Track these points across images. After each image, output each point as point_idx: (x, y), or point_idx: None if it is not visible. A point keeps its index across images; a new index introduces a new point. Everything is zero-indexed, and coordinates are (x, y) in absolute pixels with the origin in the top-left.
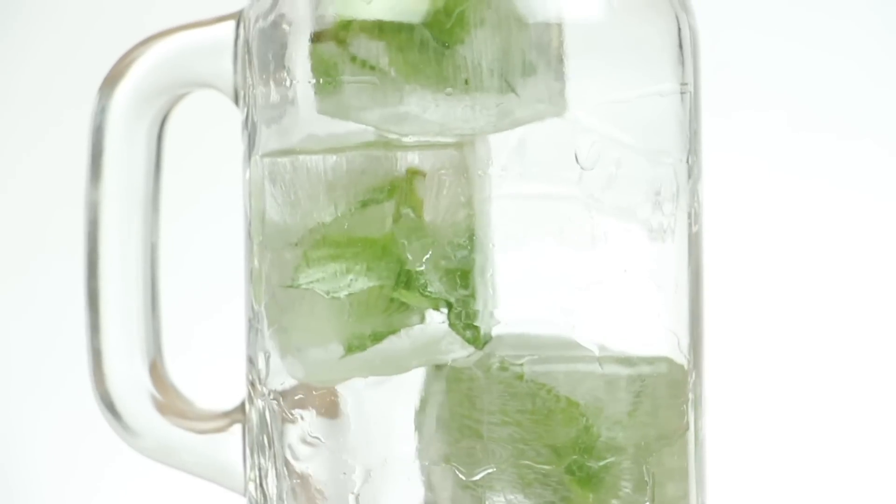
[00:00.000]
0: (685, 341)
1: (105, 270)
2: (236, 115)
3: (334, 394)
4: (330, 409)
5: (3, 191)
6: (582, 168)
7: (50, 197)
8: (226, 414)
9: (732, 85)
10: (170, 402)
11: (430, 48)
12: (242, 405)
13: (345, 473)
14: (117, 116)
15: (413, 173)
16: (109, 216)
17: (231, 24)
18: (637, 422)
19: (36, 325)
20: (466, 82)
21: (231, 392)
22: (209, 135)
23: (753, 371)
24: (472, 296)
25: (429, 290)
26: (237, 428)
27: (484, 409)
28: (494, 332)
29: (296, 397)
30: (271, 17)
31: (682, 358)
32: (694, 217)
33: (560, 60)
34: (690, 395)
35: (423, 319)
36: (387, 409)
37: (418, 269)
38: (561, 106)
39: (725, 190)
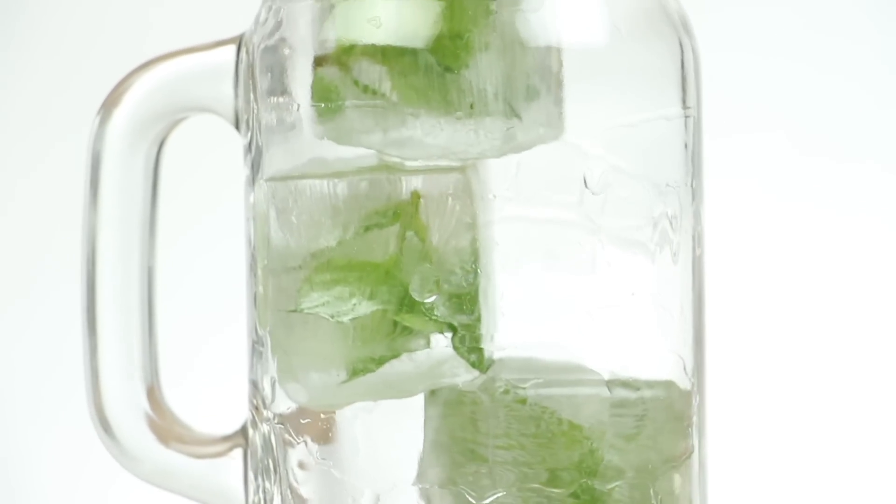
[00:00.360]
0: (690, 364)
1: (103, 294)
2: (234, 139)
3: (341, 418)
4: (337, 433)
5: (3, 214)
6: (592, 193)
7: (50, 220)
8: (226, 438)
9: (732, 106)
10: (167, 426)
11: (434, 73)
12: (243, 429)
13: (353, 498)
14: (115, 141)
15: (417, 197)
16: (107, 240)
17: (231, 48)
18: (641, 445)
19: (38, 348)
20: (472, 107)
21: (225, 416)
22: (207, 158)
23: (753, 394)
24: (477, 319)
25: (434, 314)
26: (237, 452)
27: (489, 432)
28: (499, 355)
29: (302, 421)
30: (275, 42)
31: (686, 381)
32: (697, 240)
33: (559, 85)
34: (694, 418)
35: (428, 343)
36: (395, 433)
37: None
38: (559, 129)
39: (725, 213)
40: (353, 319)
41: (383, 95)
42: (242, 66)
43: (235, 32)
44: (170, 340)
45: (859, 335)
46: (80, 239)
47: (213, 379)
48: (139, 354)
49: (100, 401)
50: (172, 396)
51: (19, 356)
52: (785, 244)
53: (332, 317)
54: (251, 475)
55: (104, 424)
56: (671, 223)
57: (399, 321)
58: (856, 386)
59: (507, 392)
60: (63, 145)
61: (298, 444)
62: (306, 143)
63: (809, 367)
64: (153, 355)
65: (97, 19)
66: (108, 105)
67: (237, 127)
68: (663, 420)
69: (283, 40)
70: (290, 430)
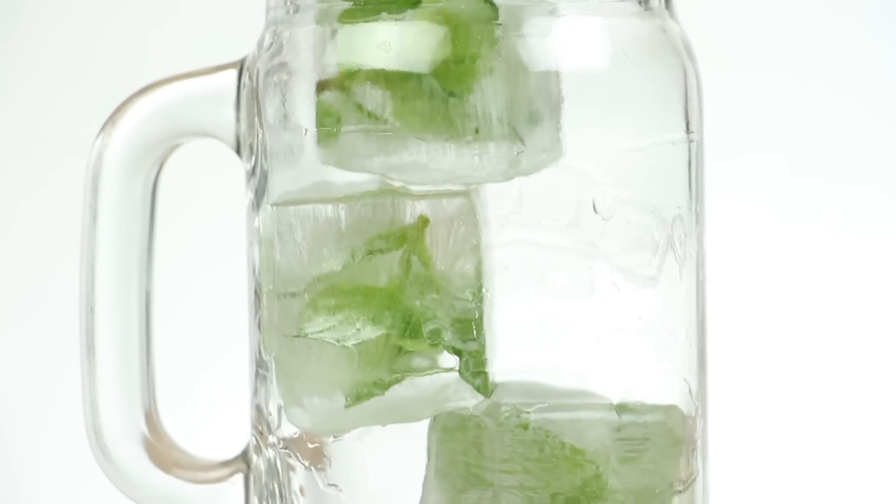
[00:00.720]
0: (694, 388)
1: (101, 318)
2: (233, 163)
3: (347, 443)
4: (343, 458)
5: (5, 236)
6: (602, 218)
7: (52, 242)
8: (225, 463)
9: (732, 129)
10: (166, 451)
11: (437, 98)
12: (244, 454)
13: None
14: (114, 165)
15: (424, 222)
16: (106, 263)
17: (232, 72)
18: (645, 469)
19: (41, 369)
20: (476, 131)
21: (224, 441)
22: (205, 182)
23: (755, 416)
24: (482, 344)
25: (438, 338)
26: (238, 478)
27: (494, 457)
28: (502, 379)
29: (308, 446)
30: (278, 67)
31: (691, 405)
32: (700, 264)
33: (559, 109)
34: (699, 443)
35: (433, 368)
36: (402, 458)
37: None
38: (558, 153)
39: (726, 236)
40: (357, 344)
41: (386, 120)
42: (245, 91)
43: (235, 57)
44: (167, 365)
45: (864, 357)
46: (79, 262)
47: (211, 404)
48: (137, 379)
49: (98, 425)
50: (170, 422)
51: (22, 378)
52: (787, 268)
53: (337, 341)
54: (254, 500)
55: (102, 449)
56: (675, 248)
57: (403, 346)
58: (861, 407)
59: (510, 417)
60: (63, 168)
61: (304, 469)
62: (312, 167)
63: (813, 389)
64: (151, 380)
65: (96, 43)
66: (107, 129)
67: (238, 152)
68: (666, 444)
69: (286, 65)
70: (296, 455)
